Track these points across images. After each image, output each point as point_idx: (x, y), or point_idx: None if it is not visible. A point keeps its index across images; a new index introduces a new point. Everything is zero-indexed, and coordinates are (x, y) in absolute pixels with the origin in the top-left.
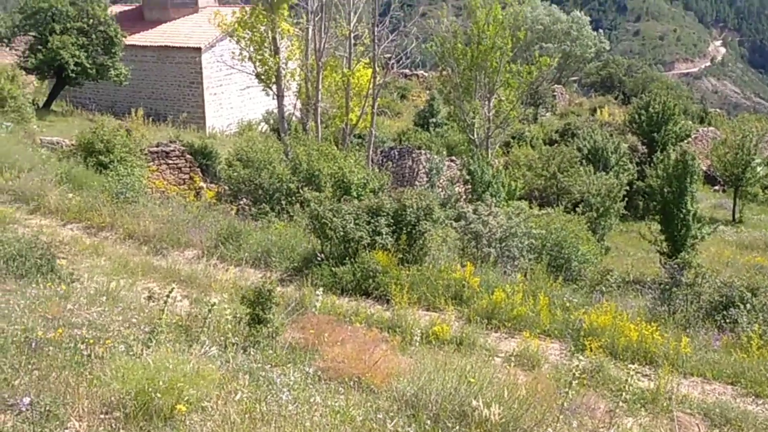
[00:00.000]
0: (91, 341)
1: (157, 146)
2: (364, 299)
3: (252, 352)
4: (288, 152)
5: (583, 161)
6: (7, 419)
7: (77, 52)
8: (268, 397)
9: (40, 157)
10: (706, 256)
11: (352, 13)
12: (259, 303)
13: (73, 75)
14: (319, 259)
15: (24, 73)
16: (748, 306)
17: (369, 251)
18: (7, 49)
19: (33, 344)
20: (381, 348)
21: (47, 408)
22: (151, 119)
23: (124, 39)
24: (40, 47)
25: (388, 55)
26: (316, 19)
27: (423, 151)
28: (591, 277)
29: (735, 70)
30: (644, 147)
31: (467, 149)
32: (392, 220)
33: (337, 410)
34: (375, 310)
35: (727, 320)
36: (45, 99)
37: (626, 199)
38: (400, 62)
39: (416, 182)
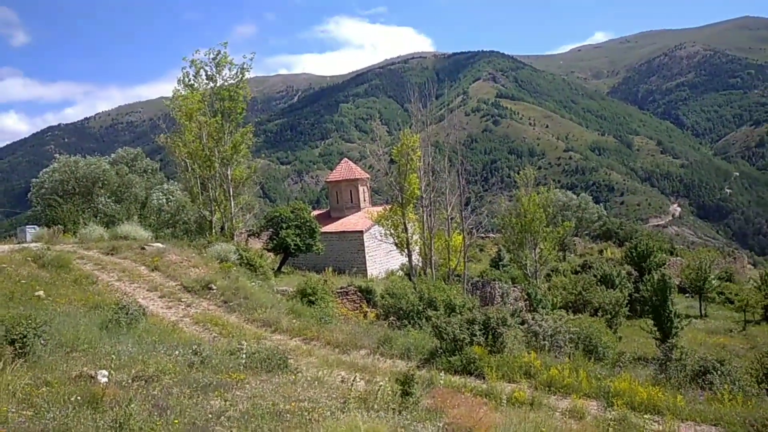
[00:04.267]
0: (310, 410)
1: (341, 288)
2: (468, 377)
3: (404, 414)
4: (416, 287)
5: (598, 283)
6: None
7: (295, 238)
8: None
9: (276, 299)
10: (686, 340)
11: (448, 206)
12: (406, 382)
13: (293, 250)
14: (439, 352)
15: (266, 251)
16: (719, 372)
17: (469, 346)
18: (258, 238)
19: (279, 413)
20: (483, 408)
21: None
22: (336, 272)
23: (320, 228)
24: (274, 237)
25: (471, 227)
26: (428, 210)
27: (497, 282)
28: (612, 357)
29: (688, 221)
30: (636, 272)
31: (524, 279)
32: (482, 326)
33: None
34: (476, 383)
35: (706, 382)
36: (277, 265)
37: (629, 305)
38: (479, 230)
39: (494, 302)
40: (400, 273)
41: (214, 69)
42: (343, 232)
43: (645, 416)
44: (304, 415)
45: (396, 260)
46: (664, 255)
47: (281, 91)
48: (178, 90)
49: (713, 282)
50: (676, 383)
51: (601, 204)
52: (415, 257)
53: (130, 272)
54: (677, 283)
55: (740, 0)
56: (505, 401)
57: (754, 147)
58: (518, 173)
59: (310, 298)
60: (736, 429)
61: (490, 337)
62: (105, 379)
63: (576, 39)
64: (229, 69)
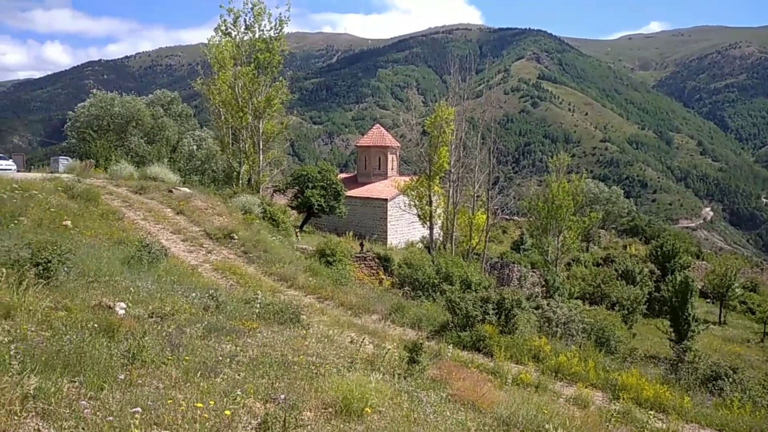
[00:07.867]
0: (318, 364)
1: (359, 253)
2: (476, 353)
3: (409, 380)
4: (434, 261)
5: (618, 278)
6: (270, 407)
7: (320, 198)
8: (418, 408)
9: (295, 256)
10: (701, 345)
11: (476, 183)
12: (414, 350)
13: (317, 211)
14: (450, 326)
15: (290, 209)
16: (731, 379)
17: (481, 324)
18: (283, 195)
19: (287, 364)
20: (487, 385)
21: (293, 402)
22: (356, 237)
23: (345, 192)
24: (299, 195)
25: (496, 207)
26: (455, 185)
27: (516, 265)
28: (623, 351)
29: (719, 227)
30: (659, 271)
31: (544, 265)
32: (496, 306)
33: (459, 421)
34: (483, 361)
35: (716, 388)
36: (300, 223)
37: (647, 303)
38: (504, 211)
39: (511, 284)
40: (420, 245)
41: (252, 18)
42: (368, 198)
43: (650, 413)
44: (311, 368)
45: (417, 232)
46: (690, 257)
47: (321, 49)
48: (215, 37)
49: (737, 290)
50: (685, 385)
51: (632, 199)
52: (437, 231)
53: (155, 213)
54: (700, 287)
55: None
56: (510, 381)
57: None
58: (551, 158)
59: (329, 258)
60: None
61: (503, 317)
62: (122, 312)
63: (631, 26)
64: (268, 20)
